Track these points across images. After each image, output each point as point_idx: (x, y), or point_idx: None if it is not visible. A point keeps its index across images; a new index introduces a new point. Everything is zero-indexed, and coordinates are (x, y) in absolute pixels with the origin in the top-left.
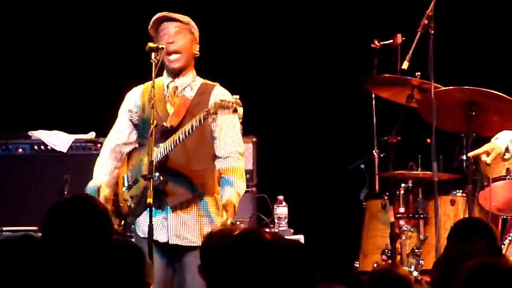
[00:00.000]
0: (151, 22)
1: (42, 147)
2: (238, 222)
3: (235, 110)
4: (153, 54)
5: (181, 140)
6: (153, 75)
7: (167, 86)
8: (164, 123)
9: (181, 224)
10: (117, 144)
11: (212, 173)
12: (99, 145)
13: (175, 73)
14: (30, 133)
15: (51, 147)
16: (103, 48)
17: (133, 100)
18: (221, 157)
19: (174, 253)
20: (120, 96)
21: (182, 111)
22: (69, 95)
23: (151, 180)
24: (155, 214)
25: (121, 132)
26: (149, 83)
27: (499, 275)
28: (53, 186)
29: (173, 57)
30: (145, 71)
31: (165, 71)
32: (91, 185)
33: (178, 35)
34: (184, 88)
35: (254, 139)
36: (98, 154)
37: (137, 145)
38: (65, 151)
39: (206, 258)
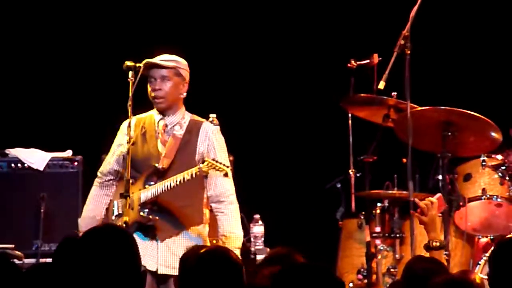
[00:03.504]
0: (142, 67)
1: (19, 164)
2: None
3: (225, 174)
4: (130, 73)
5: (171, 187)
6: (130, 94)
7: (158, 123)
8: (157, 165)
9: (170, 254)
10: (109, 179)
11: (198, 205)
12: (75, 163)
13: (163, 112)
14: (7, 150)
15: (28, 165)
16: (81, 67)
17: (125, 134)
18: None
19: (161, 280)
20: (98, 114)
21: (173, 151)
22: (47, 113)
23: (127, 198)
24: (144, 240)
25: (112, 164)
26: (142, 117)
27: None
28: (29, 204)
29: (158, 100)
30: (124, 89)
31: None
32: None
33: (164, 82)
34: (173, 126)
35: (231, 158)
36: (75, 172)
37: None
38: (41, 169)
39: (181, 271)
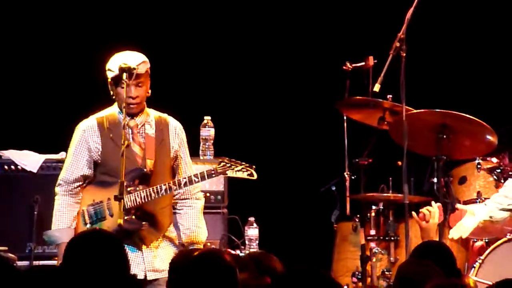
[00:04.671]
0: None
1: (12, 166)
2: (209, 244)
3: (250, 175)
4: (124, 75)
5: (161, 195)
6: (124, 96)
7: (126, 124)
8: (145, 169)
9: (156, 259)
10: (76, 185)
11: (170, 205)
12: None
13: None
14: (1, 152)
15: (21, 167)
16: (75, 69)
17: (90, 137)
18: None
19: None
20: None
21: (152, 152)
22: (40, 115)
23: (122, 200)
24: (127, 248)
25: (80, 169)
26: (101, 116)
27: None
28: (23, 206)
29: (133, 106)
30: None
31: (116, 107)
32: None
33: (139, 88)
34: (143, 126)
35: (226, 160)
36: None
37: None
38: (35, 171)
39: (172, 274)
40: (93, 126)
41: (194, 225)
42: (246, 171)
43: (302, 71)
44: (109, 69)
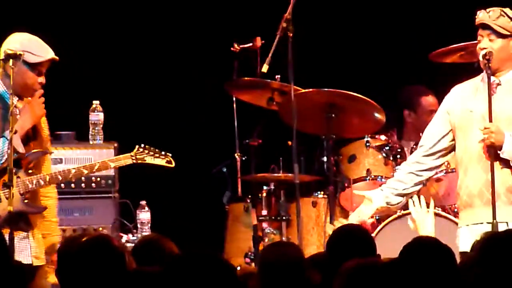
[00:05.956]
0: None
1: None
2: (100, 228)
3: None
4: (11, 61)
5: (70, 179)
6: (10, 82)
7: (16, 106)
8: (46, 151)
9: (40, 245)
10: None
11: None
12: None
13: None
14: None
15: None
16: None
17: None
18: None
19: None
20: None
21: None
22: None
23: (11, 188)
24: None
25: None
26: None
27: (375, 273)
28: None
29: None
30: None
31: (3, 84)
32: None
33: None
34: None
35: (116, 144)
36: None
37: None
38: None
39: (60, 262)
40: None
41: (55, 216)
42: (165, 157)
43: (190, 52)
44: (31, 52)
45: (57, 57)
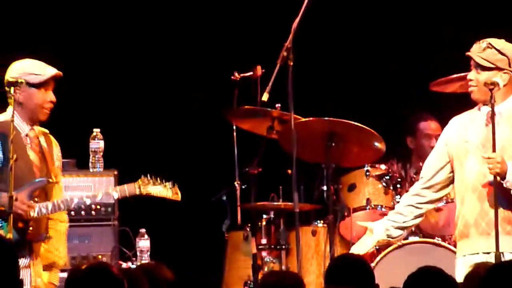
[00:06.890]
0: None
1: None
2: (100, 256)
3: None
4: (12, 89)
5: (73, 207)
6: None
7: (27, 135)
8: (50, 180)
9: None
10: None
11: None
12: None
13: (34, 122)
14: None
15: None
16: None
17: None
18: None
19: None
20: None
21: (50, 164)
22: None
23: (11, 215)
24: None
25: None
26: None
27: None
28: None
29: (48, 112)
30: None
31: (16, 114)
32: None
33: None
34: (38, 137)
35: (115, 172)
36: None
37: None
38: None
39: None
40: None
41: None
42: (171, 190)
43: (190, 81)
44: (33, 73)
45: (60, 72)
